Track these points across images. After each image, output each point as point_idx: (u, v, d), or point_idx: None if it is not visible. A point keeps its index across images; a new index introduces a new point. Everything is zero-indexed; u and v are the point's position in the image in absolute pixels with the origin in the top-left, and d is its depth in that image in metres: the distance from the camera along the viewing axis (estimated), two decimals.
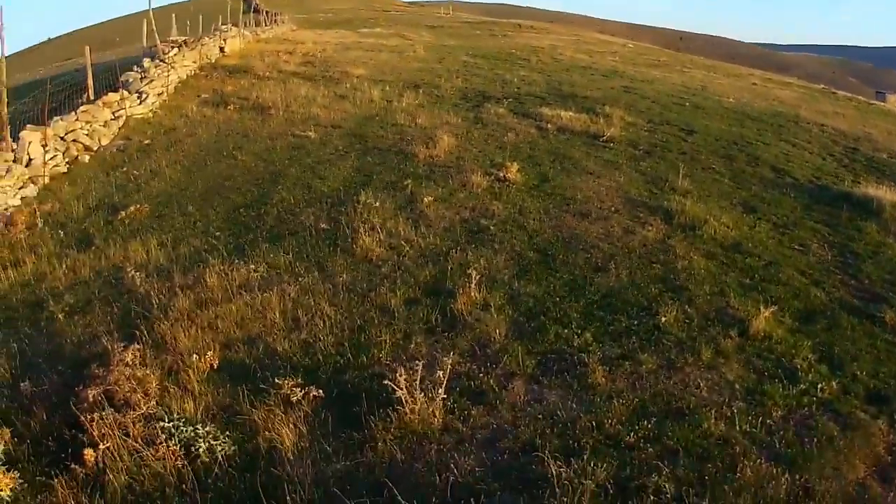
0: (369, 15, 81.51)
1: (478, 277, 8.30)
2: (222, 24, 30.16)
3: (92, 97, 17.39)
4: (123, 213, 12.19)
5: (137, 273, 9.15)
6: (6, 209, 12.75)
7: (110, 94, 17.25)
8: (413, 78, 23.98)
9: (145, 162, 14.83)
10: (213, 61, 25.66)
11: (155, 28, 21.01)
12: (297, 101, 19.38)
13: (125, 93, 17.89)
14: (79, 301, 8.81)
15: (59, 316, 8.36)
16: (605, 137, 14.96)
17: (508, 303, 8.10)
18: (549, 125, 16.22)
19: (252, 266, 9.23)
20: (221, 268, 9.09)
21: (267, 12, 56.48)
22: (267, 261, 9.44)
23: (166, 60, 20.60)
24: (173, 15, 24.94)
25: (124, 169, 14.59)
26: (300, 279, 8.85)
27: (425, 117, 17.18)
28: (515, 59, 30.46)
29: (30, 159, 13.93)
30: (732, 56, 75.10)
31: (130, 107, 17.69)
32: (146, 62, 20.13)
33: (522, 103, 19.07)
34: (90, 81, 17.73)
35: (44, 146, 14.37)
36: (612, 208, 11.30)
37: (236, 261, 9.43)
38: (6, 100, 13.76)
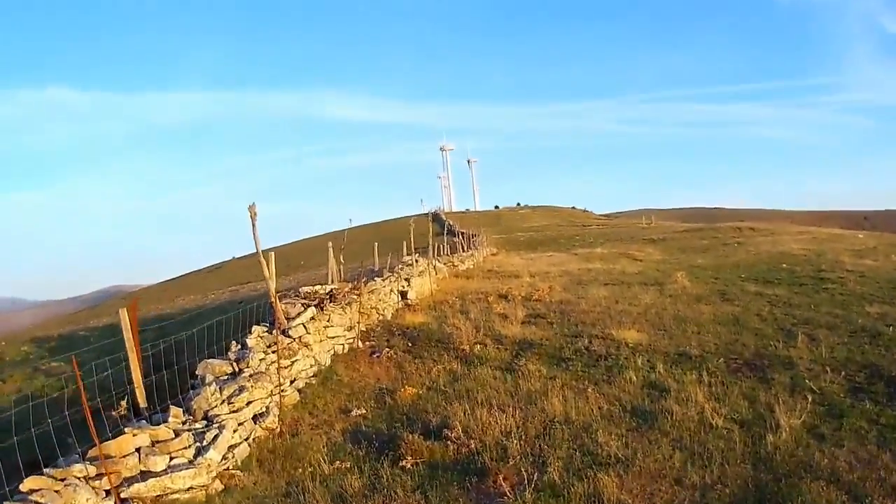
0: (573, 231, 74.25)
1: None
2: (406, 255, 20.85)
3: (145, 407, 7.20)
4: None
5: None
6: None
7: (123, 437, 6.98)
8: (727, 342, 13.13)
9: None
10: (388, 318, 15.70)
11: (270, 269, 11.08)
12: (554, 440, 8.18)
13: (174, 424, 7.63)
14: None
15: None
16: None
17: None
18: None
19: None
20: None
21: (463, 234, 49.10)
22: None
23: (291, 334, 10.50)
24: (329, 244, 15.60)
25: None
26: None
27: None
28: (805, 276, 22.63)
29: None
30: None
31: (169, 472, 7.21)
32: (254, 337, 10.13)
33: None
34: (138, 382, 7.67)
35: None
36: None
37: None
38: None
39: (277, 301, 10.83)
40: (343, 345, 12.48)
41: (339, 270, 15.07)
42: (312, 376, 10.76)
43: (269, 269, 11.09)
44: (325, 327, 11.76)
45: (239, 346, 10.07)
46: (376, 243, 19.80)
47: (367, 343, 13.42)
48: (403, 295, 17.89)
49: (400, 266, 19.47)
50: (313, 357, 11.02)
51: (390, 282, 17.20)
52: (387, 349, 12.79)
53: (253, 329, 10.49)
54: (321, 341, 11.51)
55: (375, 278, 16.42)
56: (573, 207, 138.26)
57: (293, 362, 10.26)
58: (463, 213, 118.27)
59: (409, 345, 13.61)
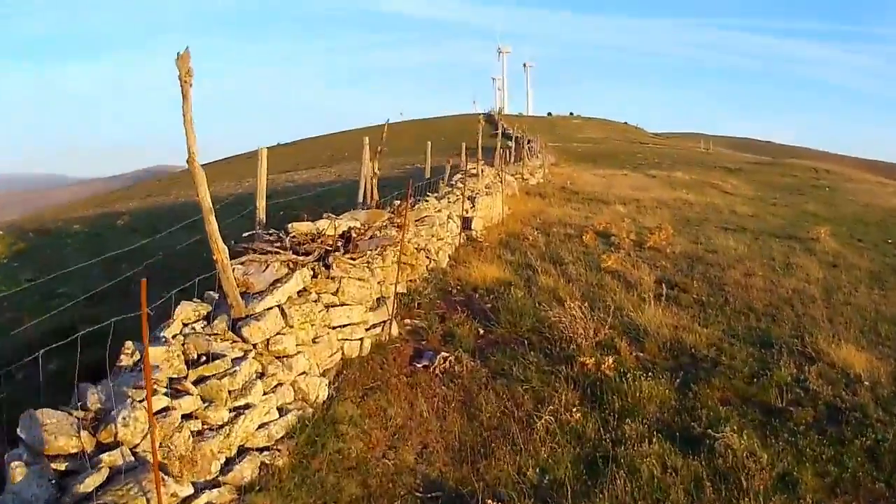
0: (630, 148, 66.53)
1: None
2: (467, 162, 14.40)
3: None
4: None
5: None
6: None
7: None
8: None
9: None
10: (444, 267, 9.52)
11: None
12: None
13: None
14: None
15: None
16: None
17: None
18: None
19: None
20: None
21: (518, 139, 41.98)
22: None
23: (244, 335, 4.34)
24: (365, 140, 9.06)
25: None
26: None
27: None
28: None
29: None
30: None
31: None
32: (167, 341, 3.97)
33: None
34: None
35: None
36: None
37: None
38: None
39: (227, 262, 4.63)
40: (361, 339, 6.30)
41: (374, 185, 8.69)
42: (283, 437, 4.66)
43: (215, 187, 5.15)
44: (325, 307, 5.60)
45: (135, 356, 4.05)
46: (429, 142, 13.32)
47: (408, 325, 7.29)
48: (466, 223, 11.60)
49: (460, 176, 13.08)
50: (292, 385, 4.92)
51: (448, 202, 10.88)
52: (443, 353, 6.61)
53: (177, 312, 4.40)
54: (316, 340, 5.39)
55: (428, 197, 10.12)
56: (625, 123, 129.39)
57: (234, 419, 4.16)
58: (516, 116, 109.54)
59: (482, 333, 7.46)
